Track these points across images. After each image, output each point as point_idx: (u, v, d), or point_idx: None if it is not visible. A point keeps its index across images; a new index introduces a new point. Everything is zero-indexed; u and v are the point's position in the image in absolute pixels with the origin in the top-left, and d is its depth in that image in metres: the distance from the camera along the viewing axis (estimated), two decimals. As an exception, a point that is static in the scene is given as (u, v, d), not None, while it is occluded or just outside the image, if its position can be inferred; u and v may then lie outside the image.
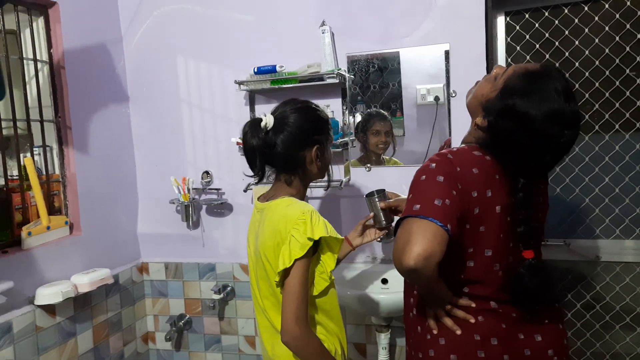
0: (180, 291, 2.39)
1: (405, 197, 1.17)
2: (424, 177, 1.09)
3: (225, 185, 2.28)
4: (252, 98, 2.19)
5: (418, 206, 1.03)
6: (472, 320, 1.14)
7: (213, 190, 2.28)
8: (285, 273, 1.21)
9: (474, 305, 1.15)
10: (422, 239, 0.98)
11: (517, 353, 1.14)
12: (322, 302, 1.34)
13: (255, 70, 2.00)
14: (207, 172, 2.27)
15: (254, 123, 1.31)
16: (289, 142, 1.29)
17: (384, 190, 1.65)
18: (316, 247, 1.26)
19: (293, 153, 1.31)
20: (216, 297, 2.22)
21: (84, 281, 1.94)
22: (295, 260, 1.19)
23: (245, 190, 2.14)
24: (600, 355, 2.06)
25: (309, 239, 1.20)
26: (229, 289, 2.29)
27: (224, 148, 2.25)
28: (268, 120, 1.29)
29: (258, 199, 1.41)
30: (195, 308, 2.38)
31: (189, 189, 2.22)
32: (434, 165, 1.09)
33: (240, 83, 2.05)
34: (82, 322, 2.05)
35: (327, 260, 1.30)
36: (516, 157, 1.08)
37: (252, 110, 2.19)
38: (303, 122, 1.31)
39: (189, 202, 2.22)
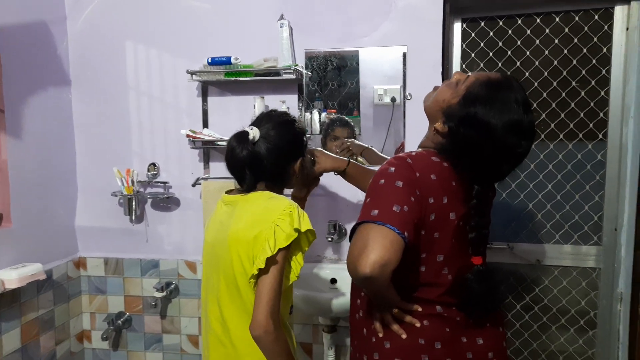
0: (120, 288, 2.27)
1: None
2: (382, 181, 1.07)
3: (172, 179, 2.18)
4: (205, 89, 2.10)
5: (376, 212, 1.02)
6: (418, 325, 1.15)
7: (159, 184, 2.18)
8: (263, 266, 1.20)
9: (420, 309, 1.16)
10: (379, 247, 0.96)
11: (460, 356, 1.16)
12: (284, 299, 1.33)
13: (209, 60, 1.92)
14: (153, 164, 2.17)
15: (242, 136, 1.29)
16: (278, 155, 1.31)
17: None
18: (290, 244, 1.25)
19: (281, 166, 1.34)
20: (159, 294, 2.13)
21: (12, 277, 1.80)
22: (279, 250, 1.19)
23: (193, 185, 2.06)
24: (536, 354, 2.15)
25: (296, 229, 1.21)
26: (172, 286, 2.20)
27: (173, 140, 2.16)
28: (255, 133, 1.29)
29: (227, 192, 1.39)
30: (136, 306, 2.27)
31: (133, 181, 2.11)
32: (393, 169, 1.08)
33: (192, 73, 1.96)
34: (8, 320, 1.90)
35: (299, 259, 1.29)
36: (474, 164, 1.09)
37: (205, 101, 2.11)
38: (290, 137, 1.35)
39: (132, 195, 2.11)
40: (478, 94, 1.08)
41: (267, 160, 1.29)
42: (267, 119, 1.34)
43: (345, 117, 2.02)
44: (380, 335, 1.17)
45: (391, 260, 0.97)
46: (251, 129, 1.29)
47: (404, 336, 1.15)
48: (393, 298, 1.14)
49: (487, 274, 1.13)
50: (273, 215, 1.23)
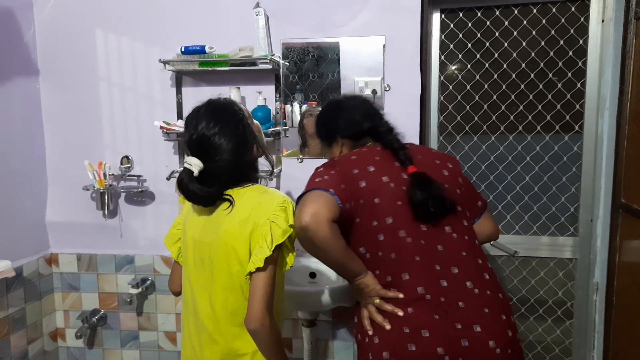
0: (94, 285, 2.22)
1: None
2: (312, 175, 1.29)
3: (146, 172, 2.13)
4: (179, 79, 2.05)
5: (304, 189, 1.23)
6: (401, 313, 1.15)
7: (133, 177, 2.12)
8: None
9: (401, 296, 1.16)
10: (309, 203, 1.16)
11: (453, 344, 1.11)
12: (279, 289, 1.33)
13: (183, 49, 1.87)
14: (127, 157, 2.11)
15: (188, 177, 1.21)
16: (235, 162, 1.24)
17: None
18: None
19: (241, 165, 1.27)
20: (134, 291, 2.08)
21: (-22, 274, 1.73)
22: (275, 246, 1.18)
23: (168, 178, 2.01)
24: (515, 345, 2.16)
25: (291, 225, 1.20)
26: (148, 282, 2.15)
27: (146, 132, 2.10)
28: (196, 166, 1.21)
29: None
30: (111, 303, 2.22)
31: (105, 175, 2.05)
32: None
33: (165, 62, 1.91)
34: (-24, 319, 1.84)
35: (291, 249, 1.28)
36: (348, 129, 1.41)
37: (179, 92, 2.05)
38: (235, 139, 1.24)
39: (105, 188, 2.05)
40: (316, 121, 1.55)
41: (227, 172, 1.24)
42: (207, 126, 1.23)
43: (318, 108, 1.98)
44: (370, 332, 1.18)
45: (321, 209, 1.14)
46: (190, 164, 1.21)
47: (388, 327, 1.15)
48: (359, 268, 1.21)
49: (424, 178, 1.22)
50: (268, 211, 1.20)
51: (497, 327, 1.16)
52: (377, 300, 1.18)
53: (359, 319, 1.24)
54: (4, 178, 1.96)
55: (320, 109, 1.50)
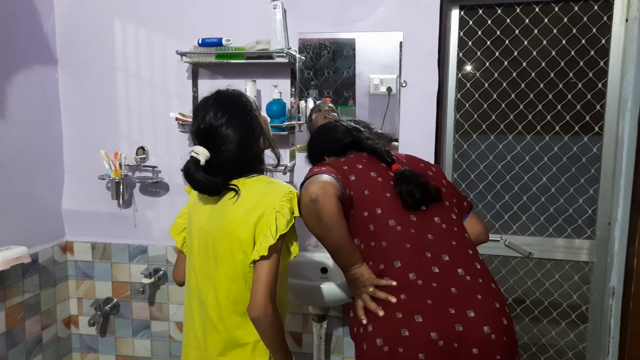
0: (108, 273, 2.24)
1: None
2: None
3: (161, 163, 2.14)
4: (196, 71, 2.05)
5: (305, 178, 1.29)
6: (394, 300, 1.16)
7: (148, 168, 2.14)
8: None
9: (394, 283, 1.17)
10: (316, 181, 1.22)
11: (447, 329, 1.11)
12: (283, 279, 1.35)
13: (200, 41, 1.87)
14: (142, 148, 2.12)
15: (194, 165, 1.22)
16: (240, 152, 1.25)
17: None
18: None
19: (247, 156, 1.29)
20: (146, 281, 2.10)
21: (-5, 259, 1.76)
22: (280, 236, 1.19)
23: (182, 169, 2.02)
24: (527, 347, 2.14)
25: (295, 216, 1.23)
26: (160, 273, 2.17)
27: (162, 123, 2.11)
28: (203, 155, 1.22)
29: None
30: (124, 292, 2.24)
31: (121, 165, 2.06)
32: None
33: (182, 54, 1.91)
34: (-8, 303, 1.87)
35: (295, 239, 1.30)
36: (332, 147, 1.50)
37: (195, 84, 2.06)
38: (242, 130, 1.26)
39: (120, 178, 2.07)
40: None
41: (232, 163, 1.25)
42: (215, 116, 1.24)
43: (330, 104, 1.98)
44: (364, 321, 1.19)
45: (327, 184, 1.20)
46: (197, 153, 1.22)
47: (381, 313, 1.16)
48: (355, 257, 1.24)
49: (407, 171, 1.30)
50: (274, 201, 1.22)
51: (491, 313, 1.16)
52: (371, 289, 1.20)
53: (354, 313, 1.26)
54: (22, 166, 1.99)
55: (308, 140, 1.64)
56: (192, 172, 1.22)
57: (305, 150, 2.00)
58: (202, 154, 1.22)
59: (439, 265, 1.19)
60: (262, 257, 1.20)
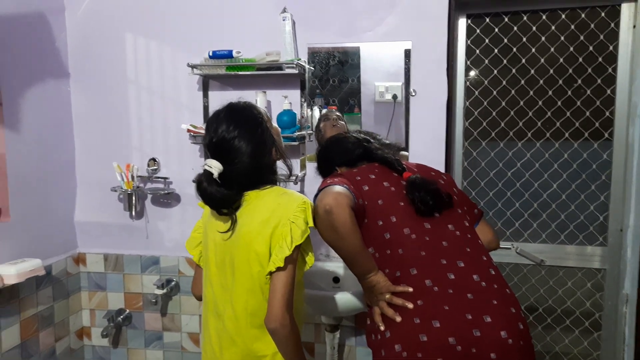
0: (120, 285, 2.25)
1: None
2: None
3: (173, 174, 2.16)
4: (206, 83, 2.08)
5: (318, 189, 1.31)
6: (411, 306, 1.17)
7: (160, 179, 2.16)
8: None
9: (410, 289, 1.18)
10: (329, 192, 1.23)
11: (464, 334, 1.11)
12: (299, 289, 1.35)
13: (210, 54, 1.90)
14: (154, 160, 2.14)
15: (207, 179, 1.23)
16: (254, 165, 1.26)
17: None
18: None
19: (259, 168, 1.29)
20: (159, 292, 2.11)
21: (11, 272, 1.78)
22: (295, 247, 1.20)
23: (194, 181, 2.02)
24: (541, 355, 2.12)
25: (310, 227, 1.23)
26: (173, 283, 2.18)
27: (173, 134, 2.13)
28: (216, 168, 1.23)
29: None
30: (136, 303, 2.25)
31: (133, 177, 2.08)
32: None
33: (193, 67, 1.94)
34: (7, 316, 1.88)
35: (310, 250, 1.31)
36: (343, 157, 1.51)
37: (206, 96, 2.08)
38: (257, 135, 1.27)
39: (132, 190, 2.09)
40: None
41: (245, 175, 1.26)
42: (227, 129, 1.25)
43: (337, 112, 1.99)
44: (382, 327, 1.20)
45: (340, 195, 1.22)
46: (210, 166, 1.23)
47: (398, 319, 1.17)
48: (370, 266, 1.25)
49: (419, 179, 1.32)
50: (288, 212, 1.23)
51: (507, 318, 1.16)
52: (387, 296, 1.21)
53: (371, 320, 1.26)
54: (35, 179, 2.01)
55: (318, 152, 1.64)
56: (204, 186, 1.23)
57: (315, 160, 2.02)
58: (215, 167, 1.23)
59: (454, 272, 1.20)
60: (278, 269, 1.20)
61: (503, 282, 1.24)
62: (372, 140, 1.54)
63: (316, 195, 1.28)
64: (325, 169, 1.57)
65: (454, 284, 1.18)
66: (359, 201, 1.27)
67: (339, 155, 1.52)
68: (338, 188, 1.25)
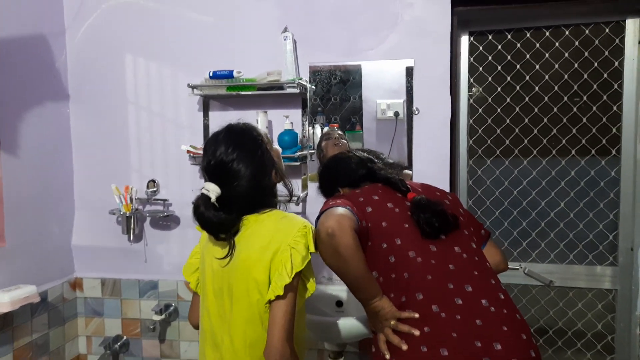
0: (118, 310, 2.19)
1: None
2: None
3: (172, 196, 2.12)
4: (207, 104, 2.05)
5: (320, 211, 1.27)
6: (417, 333, 1.12)
7: (159, 201, 2.12)
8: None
9: (416, 315, 1.14)
10: (331, 215, 1.19)
11: None
12: (300, 317, 1.29)
13: (211, 74, 1.87)
14: (153, 181, 2.10)
15: (205, 203, 1.19)
16: (254, 186, 1.22)
17: None
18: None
19: (259, 191, 1.24)
20: (157, 317, 2.04)
21: (4, 300, 1.72)
22: (295, 274, 1.15)
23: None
24: (552, 380, 2.05)
25: (311, 253, 1.19)
26: (171, 308, 2.11)
27: (172, 156, 2.10)
28: (214, 192, 1.19)
29: None
30: (134, 329, 2.18)
31: (132, 199, 2.04)
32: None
33: (193, 87, 1.91)
34: (0, 345, 1.81)
35: (311, 276, 1.26)
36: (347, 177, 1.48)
37: (206, 116, 2.05)
38: (253, 165, 1.22)
39: (131, 212, 2.04)
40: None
41: (244, 198, 1.21)
42: (225, 151, 1.21)
43: (338, 130, 1.97)
44: (387, 356, 1.15)
45: (343, 217, 1.18)
46: (207, 190, 1.19)
47: (404, 347, 1.12)
48: (375, 291, 1.20)
49: (423, 200, 1.28)
50: (288, 237, 1.18)
51: (518, 346, 1.11)
52: (393, 322, 1.16)
53: (376, 348, 1.21)
54: (32, 203, 1.97)
55: (320, 171, 1.61)
56: (202, 210, 1.18)
57: (317, 180, 1.98)
58: (213, 190, 1.19)
59: (462, 297, 1.15)
60: (278, 297, 1.15)
61: (513, 307, 1.19)
62: (375, 160, 1.51)
63: (318, 218, 1.24)
64: (328, 190, 1.54)
65: (461, 309, 1.13)
66: (362, 223, 1.23)
67: (341, 175, 1.49)
68: (341, 210, 1.22)
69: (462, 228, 1.31)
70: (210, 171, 1.23)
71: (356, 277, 1.20)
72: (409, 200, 1.32)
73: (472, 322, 1.12)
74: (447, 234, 1.26)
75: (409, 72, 1.89)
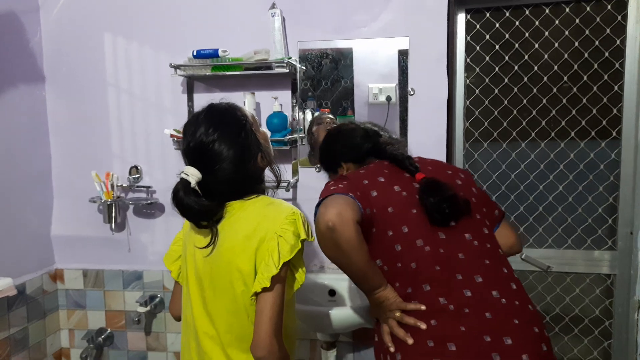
0: (101, 302, 2.10)
1: None
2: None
3: (156, 183, 2.02)
4: (191, 85, 1.95)
5: (320, 197, 1.17)
6: (424, 326, 1.07)
7: (142, 188, 2.02)
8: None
9: (423, 307, 1.08)
10: (332, 205, 1.09)
11: (482, 358, 1.02)
12: (289, 309, 1.22)
13: (195, 53, 1.77)
14: (135, 167, 2.00)
15: (184, 188, 1.10)
16: (235, 171, 1.13)
17: None
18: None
19: (243, 176, 1.16)
20: (142, 309, 1.96)
21: (-23, 293, 1.63)
22: (283, 264, 1.08)
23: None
24: (549, 367, 2.01)
25: (301, 240, 1.12)
26: (157, 300, 2.04)
27: (156, 140, 2.00)
28: (193, 176, 1.10)
29: None
30: (118, 321, 2.10)
31: (113, 186, 1.95)
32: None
33: (176, 67, 1.81)
34: (-25, 340, 1.73)
35: (301, 266, 1.18)
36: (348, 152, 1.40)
37: (190, 99, 1.95)
38: (236, 147, 1.13)
39: (112, 200, 1.95)
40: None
41: (227, 184, 1.13)
42: (205, 132, 1.12)
43: (330, 114, 1.89)
44: (392, 349, 1.10)
45: (346, 210, 1.08)
46: (187, 174, 1.10)
47: (410, 341, 1.07)
48: (380, 281, 1.14)
49: (433, 182, 1.18)
50: (275, 225, 1.10)
51: (529, 340, 1.06)
52: (397, 314, 1.11)
53: (379, 337, 1.16)
54: (7, 190, 1.87)
55: (321, 143, 1.50)
56: (181, 196, 1.09)
57: (307, 165, 1.91)
58: (193, 174, 1.10)
59: (471, 288, 1.09)
60: (265, 289, 1.07)
61: (525, 297, 1.13)
62: (382, 134, 1.41)
63: (318, 205, 1.15)
64: (330, 164, 1.45)
65: (470, 301, 1.07)
66: (366, 211, 1.14)
67: (345, 149, 1.39)
68: (343, 198, 1.12)
69: (473, 212, 1.22)
70: (190, 154, 1.14)
71: (359, 269, 1.13)
72: (417, 182, 1.22)
73: (481, 315, 1.06)
74: (457, 221, 1.17)
75: (403, 54, 1.81)
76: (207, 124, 1.13)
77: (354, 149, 1.37)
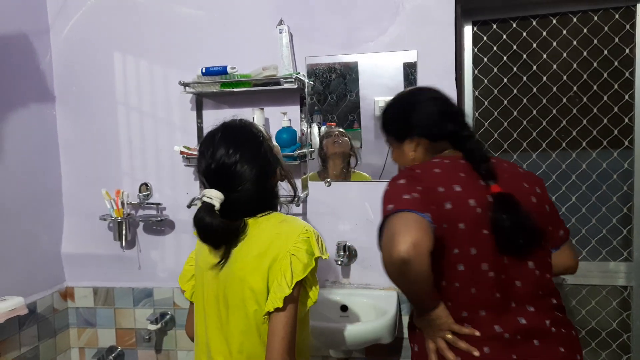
0: (111, 320, 2.09)
1: None
2: (388, 187, 1.12)
3: (166, 200, 2.02)
4: (200, 102, 1.96)
5: (391, 206, 1.04)
6: (477, 353, 1.04)
7: (152, 205, 2.02)
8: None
9: (478, 333, 1.05)
10: (407, 229, 0.97)
11: None
12: (303, 326, 1.20)
13: (203, 70, 1.78)
14: (145, 185, 2.01)
15: (209, 212, 1.08)
16: (257, 190, 1.12)
17: None
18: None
19: (264, 193, 1.15)
20: (152, 327, 1.95)
21: (-11, 313, 1.62)
22: (296, 283, 1.06)
23: (189, 206, 1.89)
24: (567, 382, 1.97)
25: (315, 258, 1.09)
26: (167, 317, 2.02)
27: (165, 158, 2.00)
28: (217, 199, 1.08)
29: None
30: (129, 339, 2.09)
31: (123, 203, 1.95)
32: (396, 175, 1.15)
33: (185, 85, 1.82)
34: (-14, 361, 1.72)
35: (315, 283, 1.15)
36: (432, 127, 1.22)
37: (200, 116, 1.96)
38: (258, 165, 1.12)
39: (123, 218, 1.95)
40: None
41: (250, 202, 1.12)
42: (226, 153, 1.10)
43: (339, 128, 1.89)
44: None
45: (422, 239, 0.96)
46: (209, 197, 1.08)
47: None
48: (434, 298, 1.07)
49: (511, 201, 1.06)
50: (288, 243, 1.08)
51: None
52: (449, 336, 1.07)
53: (420, 349, 1.13)
54: (19, 209, 1.87)
55: (389, 102, 1.33)
56: (208, 221, 1.07)
57: (317, 179, 1.90)
58: (216, 197, 1.08)
59: (525, 317, 1.07)
60: (277, 309, 1.05)
61: (569, 325, 1.13)
62: (464, 115, 1.26)
63: (388, 215, 1.02)
64: (399, 130, 1.27)
65: (523, 330, 1.06)
66: (438, 227, 1.03)
67: (423, 121, 1.22)
68: (419, 221, 0.98)
69: (544, 240, 1.14)
70: (211, 176, 1.12)
71: (418, 295, 1.07)
72: (491, 194, 1.09)
73: (530, 342, 1.06)
74: (527, 251, 1.09)
75: (409, 66, 1.81)
76: (227, 145, 1.11)
77: (434, 124, 1.21)
